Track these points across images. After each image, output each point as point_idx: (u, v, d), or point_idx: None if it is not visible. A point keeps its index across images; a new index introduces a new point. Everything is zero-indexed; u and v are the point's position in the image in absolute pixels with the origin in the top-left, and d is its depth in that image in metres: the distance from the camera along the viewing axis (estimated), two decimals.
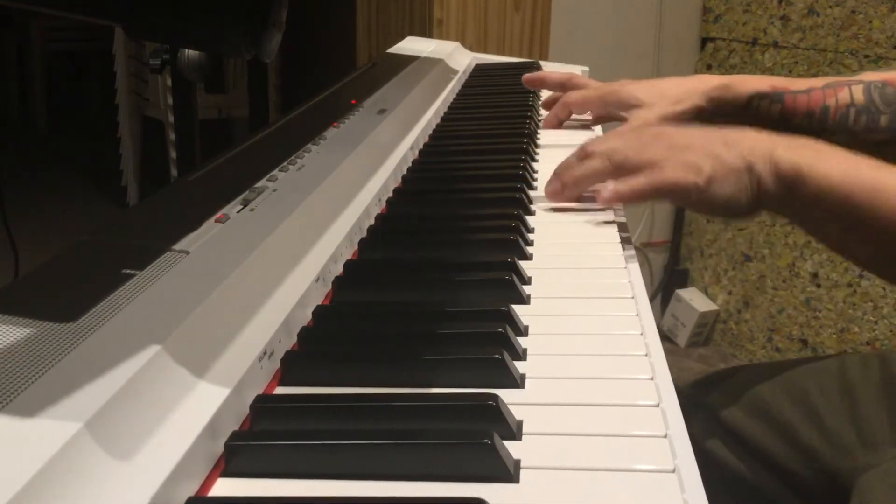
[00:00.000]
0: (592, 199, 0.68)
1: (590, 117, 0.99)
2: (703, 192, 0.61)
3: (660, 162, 0.63)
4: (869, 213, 0.59)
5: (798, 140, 0.64)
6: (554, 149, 0.89)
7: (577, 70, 1.29)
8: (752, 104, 0.85)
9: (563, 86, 0.99)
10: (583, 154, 0.68)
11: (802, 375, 0.80)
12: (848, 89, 0.84)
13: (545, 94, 1.15)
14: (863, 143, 0.83)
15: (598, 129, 0.96)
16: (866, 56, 1.80)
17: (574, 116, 0.99)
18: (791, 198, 0.62)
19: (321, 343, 0.47)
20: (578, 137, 0.92)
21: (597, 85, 0.96)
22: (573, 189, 0.68)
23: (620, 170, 0.64)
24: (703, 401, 0.82)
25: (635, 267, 0.58)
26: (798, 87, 0.86)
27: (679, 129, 0.66)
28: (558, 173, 0.70)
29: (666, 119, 0.86)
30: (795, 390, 0.79)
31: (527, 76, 1.03)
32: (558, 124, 0.97)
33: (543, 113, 1.03)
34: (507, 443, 0.37)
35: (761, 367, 0.85)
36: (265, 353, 0.43)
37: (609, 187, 0.63)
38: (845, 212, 0.60)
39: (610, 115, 0.92)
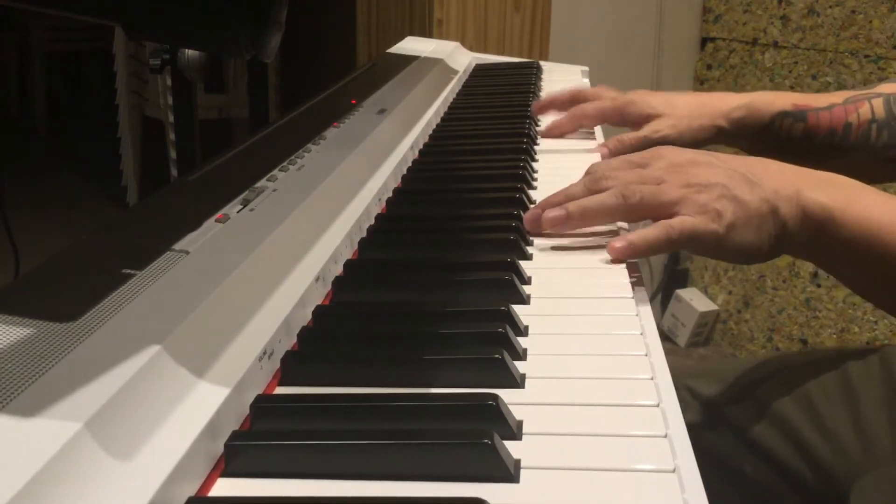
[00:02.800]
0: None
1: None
2: (721, 239, 0.57)
3: (677, 204, 0.58)
4: None
5: (824, 177, 0.60)
6: (554, 150, 0.89)
7: (576, 70, 1.29)
8: (776, 124, 0.83)
9: (574, 101, 0.94)
10: (593, 183, 0.62)
11: (804, 372, 0.80)
12: (868, 104, 0.82)
13: (545, 95, 1.14)
14: (887, 160, 0.82)
15: (597, 131, 0.95)
16: (866, 56, 1.80)
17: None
18: (818, 241, 0.59)
19: (321, 343, 0.47)
20: (579, 137, 0.92)
21: (610, 95, 0.92)
22: (579, 222, 0.61)
23: (634, 211, 0.59)
24: (700, 394, 0.82)
25: (635, 267, 0.58)
26: (819, 103, 0.84)
27: (699, 160, 0.60)
28: (564, 203, 0.62)
29: (683, 135, 0.84)
30: (797, 388, 0.79)
31: (536, 105, 0.99)
32: (560, 136, 0.92)
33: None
34: (507, 443, 0.37)
35: (763, 362, 0.85)
36: (265, 353, 0.43)
37: (624, 240, 0.58)
38: (877, 258, 0.57)
39: (627, 125, 0.89)
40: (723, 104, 0.85)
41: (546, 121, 1.02)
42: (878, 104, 0.82)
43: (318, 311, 0.50)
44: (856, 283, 0.65)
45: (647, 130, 0.85)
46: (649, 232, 0.57)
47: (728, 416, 0.81)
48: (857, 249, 0.58)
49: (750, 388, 0.81)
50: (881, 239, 0.57)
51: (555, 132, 0.92)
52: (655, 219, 0.59)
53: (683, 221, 0.57)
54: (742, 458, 0.80)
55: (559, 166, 0.82)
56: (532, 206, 0.66)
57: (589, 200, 0.60)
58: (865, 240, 0.57)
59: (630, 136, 0.85)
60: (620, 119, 0.88)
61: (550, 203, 0.63)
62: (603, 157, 0.83)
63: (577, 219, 0.61)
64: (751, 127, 0.84)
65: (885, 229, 0.57)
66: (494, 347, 0.44)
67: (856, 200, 0.58)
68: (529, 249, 0.60)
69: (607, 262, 0.58)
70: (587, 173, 0.65)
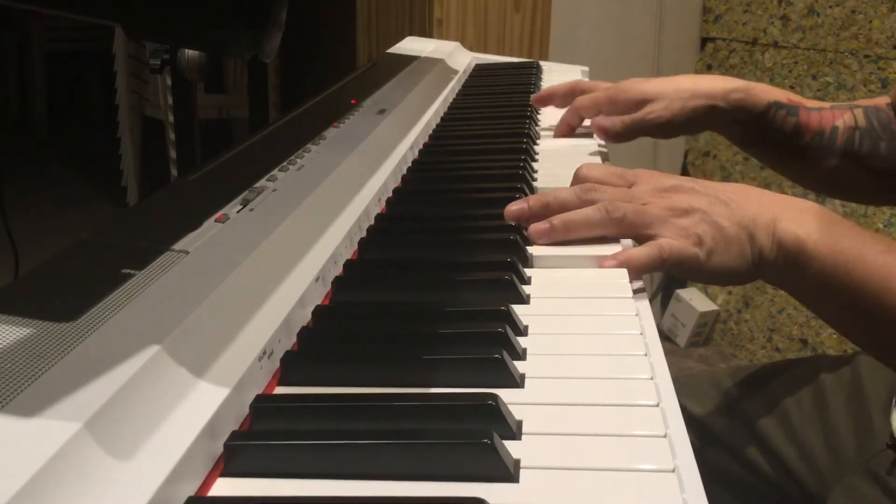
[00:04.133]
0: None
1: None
2: (702, 263, 0.58)
3: (659, 226, 0.59)
4: (875, 302, 0.56)
5: (802, 207, 0.61)
6: (554, 150, 0.89)
7: (576, 70, 1.29)
8: (770, 113, 0.84)
9: (572, 93, 0.95)
10: (583, 192, 0.62)
11: (778, 381, 0.81)
12: (852, 112, 0.84)
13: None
14: (870, 169, 0.83)
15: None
16: (866, 56, 1.80)
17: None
18: (792, 272, 0.59)
19: (321, 343, 0.47)
20: (578, 136, 0.92)
21: (605, 86, 0.92)
22: (562, 234, 0.61)
23: (617, 227, 0.60)
24: (681, 402, 0.82)
25: None
26: (810, 104, 0.85)
27: (682, 185, 0.61)
28: (550, 203, 0.63)
29: (676, 116, 0.84)
30: (772, 397, 0.80)
31: (534, 97, 0.99)
32: (570, 132, 0.92)
33: (544, 113, 1.03)
34: (506, 443, 0.37)
35: (740, 368, 0.86)
36: (265, 352, 0.43)
37: (614, 259, 0.58)
38: (848, 294, 0.57)
39: (621, 113, 0.89)
40: (720, 84, 0.85)
41: (546, 113, 1.02)
42: (860, 113, 0.84)
43: (318, 311, 0.50)
44: (831, 319, 0.64)
45: (641, 113, 0.85)
46: (641, 251, 0.59)
47: (714, 430, 0.81)
48: (827, 283, 0.58)
49: (733, 401, 0.82)
50: (850, 274, 0.57)
51: (563, 130, 0.92)
52: (636, 238, 0.60)
53: (672, 244, 0.58)
54: (730, 470, 0.80)
55: (559, 166, 0.82)
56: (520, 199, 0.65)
57: (574, 214, 0.61)
58: (834, 274, 0.58)
59: (625, 117, 0.86)
60: (613, 107, 0.88)
61: (537, 200, 0.63)
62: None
63: (562, 232, 0.61)
64: (748, 111, 0.84)
65: (853, 264, 0.57)
66: (494, 347, 0.44)
67: (829, 233, 0.58)
68: (529, 249, 0.61)
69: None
70: (575, 177, 0.66)
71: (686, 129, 0.87)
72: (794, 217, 0.59)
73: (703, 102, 0.84)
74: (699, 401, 0.83)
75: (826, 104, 0.86)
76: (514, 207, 0.63)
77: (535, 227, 0.62)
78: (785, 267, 0.59)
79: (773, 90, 0.85)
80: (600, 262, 0.58)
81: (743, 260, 0.59)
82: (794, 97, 0.86)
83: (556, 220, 0.61)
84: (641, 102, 0.86)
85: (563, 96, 0.96)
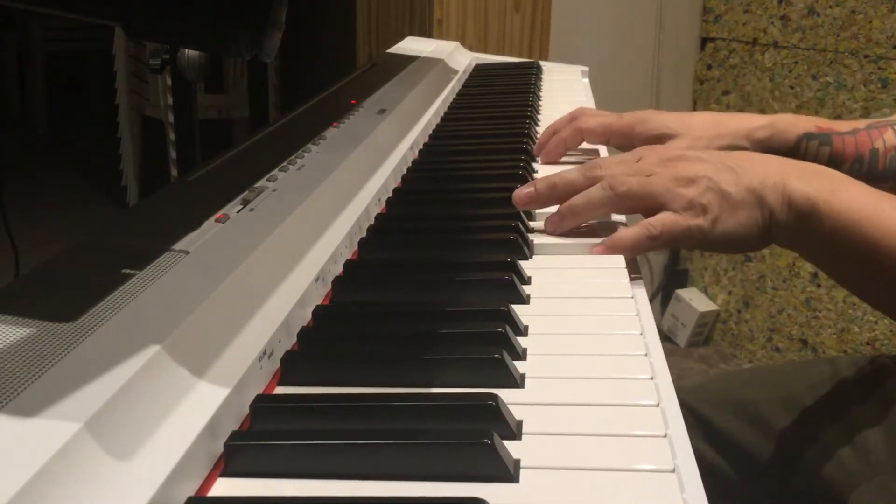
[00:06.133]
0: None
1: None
2: (707, 233, 0.58)
3: (664, 197, 0.58)
4: (891, 258, 0.56)
5: (812, 168, 0.60)
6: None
7: (576, 70, 1.29)
8: (801, 147, 0.79)
9: (573, 118, 0.84)
10: (588, 170, 0.62)
11: (795, 381, 0.79)
12: (892, 130, 0.79)
13: (545, 97, 1.15)
14: None
15: (602, 151, 0.88)
16: (866, 56, 1.80)
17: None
18: (804, 233, 0.59)
19: (321, 343, 0.47)
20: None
21: (617, 114, 0.83)
22: (574, 220, 0.62)
23: (623, 202, 0.60)
24: (693, 406, 0.81)
25: (635, 267, 0.58)
26: (842, 128, 0.80)
27: (688, 154, 0.61)
28: (557, 198, 0.63)
29: None
30: (789, 397, 0.78)
31: (538, 149, 0.85)
32: (558, 158, 0.83)
33: (544, 113, 1.03)
34: (506, 443, 0.37)
35: (755, 370, 0.84)
36: (265, 353, 0.43)
37: (602, 244, 0.59)
38: (863, 252, 0.57)
39: (635, 145, 0.79)
40: (743, 123, 0.80)
41: (546, 113, 1.02)
42: None
43: (318, 311, 0.50)
44: (845, 279, 0.63)
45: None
46: (628, 232, 0.59)
47: (721, 426, 0.80)
48: (841, 242, 0.57)
49: (745, 401, 0.81)
50: (863, 231, 0.56)
51: (556, 153, 0.83)
52: (645, 211, 0.60)
53: (665, 219, 0.58)
54: (734, 466, 0.79)
55: (559, 166, 0.82)
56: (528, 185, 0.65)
57: (578, 198, 0.61)
58: (848, 232, 0.57)
59: (625, 154, 0.78)
60: (628, 139, 0.81)
61: (544, 182, 0.64)
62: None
63: (571, 217, 0.62)
64: (775, 149, 0.79)
65: (866, 221, 0.56)
66: (494, 347, 0.44)
67: (840, 191, 0.58)
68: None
69: (607, 262, 0.58)
70: (585, 167, 0.65)
71: None
72: (804, 176, 0.59)
73: (728, 143, 0.79)
74: (715, 407, 0.81)
75: (861, 124, 0.80)
76: (522, 192, 0.64)
77: (548, 221, 0.63)
78: (797, 228, 0.58)
79: (800, 120, 0.80)
80: (591, 249, 0.59)
81: (753, 225, 0.58)
82: (823, 123, 0.80)
83: (564, 208, 0.62)
84: (661, 137, 0.79)
85: (564, 125, 0.84)
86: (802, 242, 0.60)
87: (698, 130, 0.80)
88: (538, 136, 0.93)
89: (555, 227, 0.63)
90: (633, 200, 0.60)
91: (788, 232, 0.59)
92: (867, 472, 0.71)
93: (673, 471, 0.35)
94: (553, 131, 0.84)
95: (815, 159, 0.79)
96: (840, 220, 0.57)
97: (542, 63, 1.33)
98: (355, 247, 0.60)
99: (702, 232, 0.58)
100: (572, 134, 0.82)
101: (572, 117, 0.83)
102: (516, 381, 0.43)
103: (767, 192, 0.58)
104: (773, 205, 0.58)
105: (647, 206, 0.60)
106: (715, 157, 0.61)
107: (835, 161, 0.79)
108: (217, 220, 0.51)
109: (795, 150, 0.79)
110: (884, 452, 0.71)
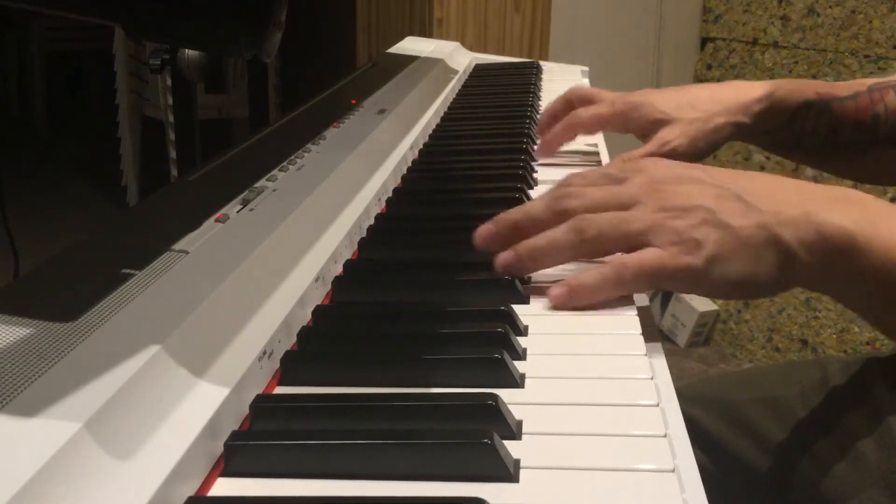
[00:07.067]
0: None
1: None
2: (700, 275, 0.48)
3: (647, 233, 0.49)
4: None
5: (840, 195, 0.50)
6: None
7: (576, 70, 1.29)
8: (800, 116, 0.76)
9: (569, 104, 0.82)
10: (555, 202, 0.53)
11: (785, 385, 0.76)
12: (893, 92, 0.75)
13: (545, 97, 1.14)
14: None
15: (600, 141, 0.89)
16: (866, 56, 1.80)
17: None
18: (838, 273, 0.49)
19: (321, 343, 0.47)
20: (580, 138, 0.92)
21: (610, 98, 0.80)
22: (529, 264, 0.52)
23: (592, 247, 0.51)
24: (683, 409, 0.80)
25: None
26: (842, 92, 0.76)
27: (685, 176, 0.52)
28: (521, 220, 0.54)
29: (696, 141, 0.75)
30: (779, 403, 0.75)
31: (539, 129, 0.86)
32: (551, 153, 0.81)
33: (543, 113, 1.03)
34: (506, 443, 0.37)
35: (743, 374, 0.83)
36: (265, 352, 0.43)
37: (563, 285, 0.50)
38: None
39: (630, 132, 0.79)
40: (740, 96, 0.76)
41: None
42: None
43: (318, 311, 0.50)
44: (875, 314, 0.54)
45: (655, 144, 0.76)
46: (590, 275, 0.50)
47: (715, 435, 0.80)
48: (887, 279, 0.48)
49: (733, 405, 0.80)
50: None
51: (550, 148, 0.81)
52: (628, 251, 0.50)
53: (644, 258, 0.49)
54: (725, 471, 0.79)
55: (559, 166, 0.82)
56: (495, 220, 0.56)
57: (540, 239, 0.52)
58: (891, 273, 0.48)
59: (636, 154, 0.75)
60: (623, 126, 0.78)
61: (505, 220, 0.54)
62: None
63: (530, 262, 0.52)
64: (774, 120, 0.76)
65: None
66: (494, 347, 0.44)
67: (879, 223, 0.48)
68: None
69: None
70: (557, 185, 0.55)
71: (709, 152, 0.77)
72: (834, 206, 0.49)
73: (724, 121, 0.75)
74: (707, 412, 0.80)
75: (863, 85, 0.76)
76: (481, 232, 0.55)
77: (500, 259, 0.53)
78: (827, 267, 0.49)
79: (798, 86, 0.76)
80: (547, 291, 0.51)
81: (763, 266, 0.48)
82: (823, 89, 0.76)
83: (521, 248, 0.52)
84: (657, 123, 0.76)
85: (560, 111, 0.84)
86: (833, 283, 0.51)
87: (692, 112, 0.76)
88: (538, 136, 0.93)
89: (506, 268, 0.52)
90: (605, 244, 0.50)
91: (814, 272, 0.49)
92: (858, 481, 0.70)
93: (673, 471, 0.35)
94: (552, 114, 0.83)
95: (815, 129, 0.76)
96: (887, 257, 0.48)
97: (542, 63, 1.32)
98: (355, 247, 0.60)
99: (692, 273, 0.48)
100: (565, 130, 0.80)
101: (566, 104, 0.83)
102: (516, 381, 0.43)
103: (785, 229, 0.48)
104: (791, 243, 0.48)
105: (625, 246, 0.50)
106: (719, 178, 0.51)
107: (834, 128, 0.76)
108: (217, 220, 0.51)
109: (794, 119, 0.76)
110: (874, 461, 0.70)
